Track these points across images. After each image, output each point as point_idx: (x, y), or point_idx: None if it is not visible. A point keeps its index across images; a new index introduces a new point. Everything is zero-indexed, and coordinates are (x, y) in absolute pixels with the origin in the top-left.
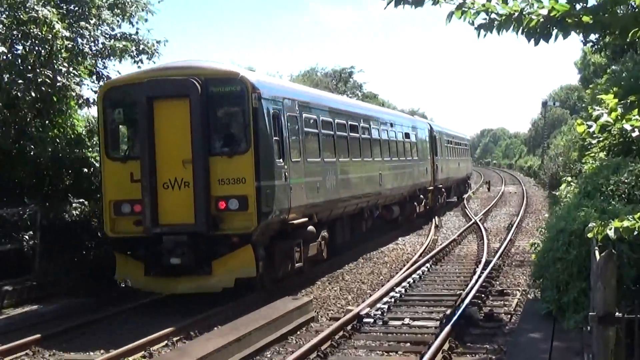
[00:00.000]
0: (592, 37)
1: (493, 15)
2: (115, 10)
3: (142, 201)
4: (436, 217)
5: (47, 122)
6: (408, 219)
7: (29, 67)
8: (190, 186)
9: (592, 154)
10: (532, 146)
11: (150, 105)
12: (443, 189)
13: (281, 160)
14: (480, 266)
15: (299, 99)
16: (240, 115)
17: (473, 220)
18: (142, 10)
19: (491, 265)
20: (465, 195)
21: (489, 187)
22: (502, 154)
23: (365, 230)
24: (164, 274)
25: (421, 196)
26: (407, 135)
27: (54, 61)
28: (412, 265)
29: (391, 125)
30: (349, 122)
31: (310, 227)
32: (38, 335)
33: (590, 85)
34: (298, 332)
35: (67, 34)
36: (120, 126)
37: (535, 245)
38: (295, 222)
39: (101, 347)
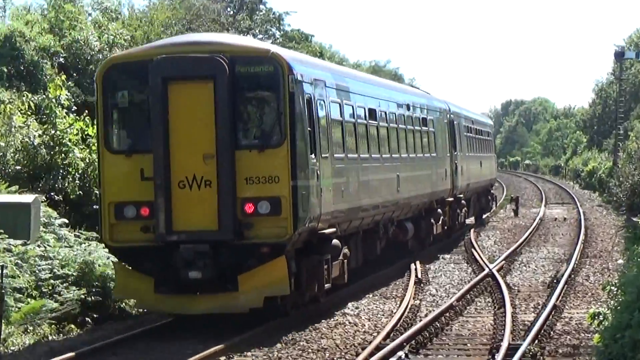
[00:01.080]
0: None
1: None
2: None
3: (152, 203)
4: (417, 266)
5: None
6: (422, 243)
7: None
8: (212, 185)
9: None
10: (595, 134)
11: (165, 88)
12: (463, 201)
13: (313, 155)
14: (499, 358)
15: (323, 78)
16: (274, 101)
17: (487, 271)
18: None
19: (518, 355)
20: (486, 215)
21: (516, 208)
22: (541, 146)
23: (380, 253)
24: (178, 290)
25: (439, 210)
26: (423, 122)
27: None
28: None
29: (407, 107)
30: (367, 106)
31: (335, 241)
32: None
33: None
34: None
35: None
36: (125, 112)
37: (601, 318)
38: (325, 232)
39: None
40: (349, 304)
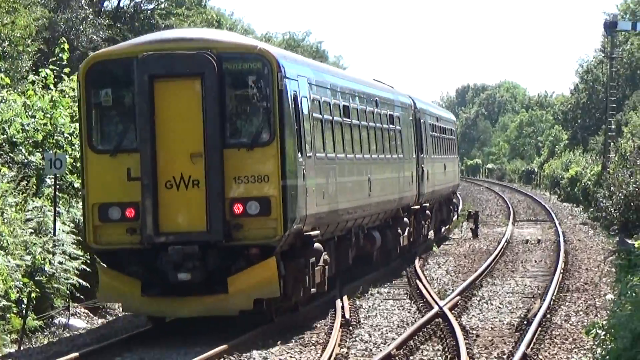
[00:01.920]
0: None
1: None
2: None
3: (138, 204)
4: (344, 303)
5: None
6: (388, 255)
7: None
8: (200, 185)
9: None
10: (579, 130)
11: (151, 86)
12: (428, 211)
13: (300, 154)
14: None
15: (305, 74)
16: (263, 98)
17: (436, 309)
18: None
19: None
20: (445, 229)
21: (475, 226)
22: (508, 145)
23: (351, 263)
24: (165, 293)
25: (405, 219)
26: (390, 119)
27: None
28: None
29: (375, 103)
30: (342, 102)
31: (318, 245)
32: None
33: None
34: None
35: None
36: (108, 111)
37: None
38: (311, 234)
39: None
40: (254, 353)
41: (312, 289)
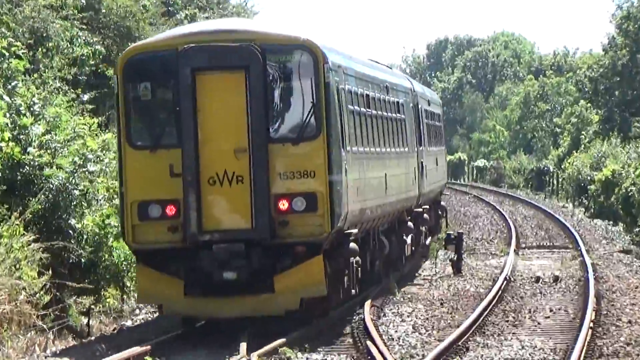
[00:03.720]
0: None
1: None
2: None
3: (182, 201)
4: None
5: None
6: (393, 265)
7: None
8: (245, 181)
9: None
10: (616, 108)
11: (193, 79)
12: (426, 215)
13: (342, 149)
14: None
15: (342, 63)
16: (308, 91)
17: None
18: None
19: None
20: (429, 242)
21: (458, 257)
22: (507, 130)
23: (368, 269)
24: (208, 293)
25: (410, 224)
26: (398, 108)
27: None
28: None
29: (387, 90)
30: (366, 92)
31: (354, 245)
32: None
33: None
34: None
35: None
36: (148, 105)
37: None
38: (351, 232)
39: None
40: None
41: (352, 290)
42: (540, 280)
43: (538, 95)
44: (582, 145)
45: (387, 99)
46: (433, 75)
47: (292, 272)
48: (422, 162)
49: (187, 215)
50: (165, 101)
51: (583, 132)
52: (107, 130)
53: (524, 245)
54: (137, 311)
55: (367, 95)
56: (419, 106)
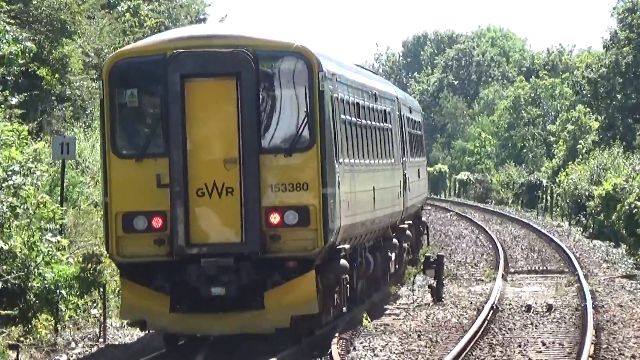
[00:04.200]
0: None
1: None
2: None
3: (168, 213)
4: None
5: None
6: (376, 283)
7: None
8: (235, 193)
9: None
10: (618, 113)
11: (182, 86)
12: (408, 231)
13: (336, 161)
14: None
15: (336, 70)
16: (302, 99)
17: None
18: None
19: None
20: (405, 261)
21: (437, 283)
22: (496, 138)
23: (357, 290)
24: (195, 309)
25: (395, 240)
26: (385, 116)
27: None
28: None
29: (375, 98)
30: (356, 100)
31: (343, 261)
32: None
33: None
34: None
35: None
36: (134, 113)
37: None
38: (344, 247)
39: None
40: None
41: (343, 308)
42: (532, 309)
43: (529, 99)
44: (580, 156)
45: (375, 108)
46: (410, 75)
47: (283, 289)
48: (405, 174)
49: (174, 228)
50: (152, 108)
51: (581, 141)
52: (38, 139)
53: (513, 270)
54: (73, 344)
55: (358, 104)
56: (402, 114)
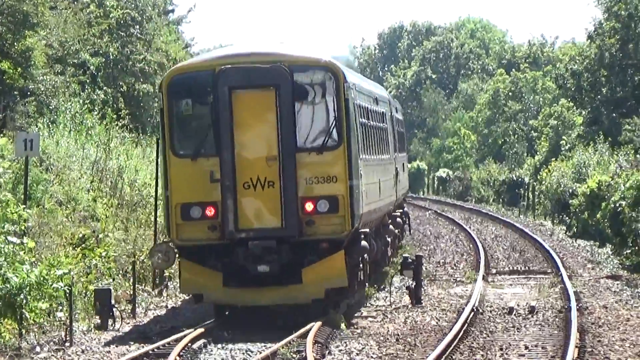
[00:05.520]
0: None
1: None
2: None
3: (219, 203)
4: None
5: None
6: (378, 267)
7: None
8: (275, 186)
9: None
10: (603, 108)
11: (230, 96)
12: (399, 219)
13: (358, 157)
14: None
15: (354, 81)
16: (331, 106)
17: None
18: None
19: None
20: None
21: (416, 285)
22: (476, 133)
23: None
24: (245, 284)
25: (391, 227)
26: (383, 117)
27: None
28: None
29: (376, 101)
30: (364, 104)
31: (364, 242)
32: None
33: None
34: None
35: None
36: (189, 119)
37: None
38: (365, 231)
39: None
40: None
41: (366, 283)
42: (514, 311)
43: (510, 93)
44: (563, 153)
45: (376, 110)
46: (386, 69)
47: (318, 266)
48: (397, 168)
49: (225, 216)
50: (204, 115)
51: (564, 137)
52: (1, 135)
53: (494, 271)
54: (38, 348)
55: (367, 108)
56: (392, 114)
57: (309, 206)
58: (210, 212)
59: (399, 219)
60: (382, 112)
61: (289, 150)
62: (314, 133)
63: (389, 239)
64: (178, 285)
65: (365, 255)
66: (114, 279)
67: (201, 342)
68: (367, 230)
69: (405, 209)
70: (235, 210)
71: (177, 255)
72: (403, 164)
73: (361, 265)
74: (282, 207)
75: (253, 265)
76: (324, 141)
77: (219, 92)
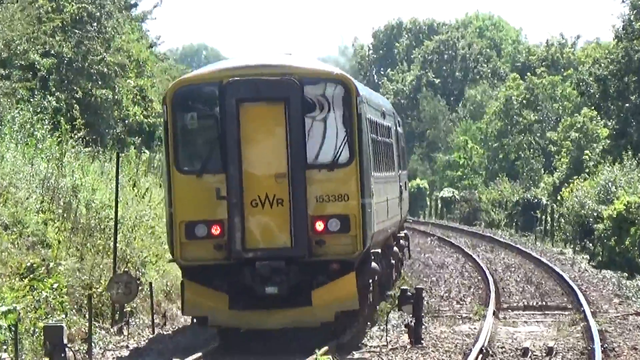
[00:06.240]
0: None
1: None
2: None
3: (226, 221)
4: None
5: None
6: (382, 291)
7: None
8: (284, 204)
9: None
10: (632, 118)
11: (238, 109)
12: (402, 240)
13: (370, 174)
14: None
15: (364, 94)
16: (342, 121)
17: None
18: None
19: None
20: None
21: (416, 322)
22: (485, 148)
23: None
24: (252, 306)
25: (395, 248)
26: (389, 132)
27: None
28: None
29: (383, 115)
30: (373, 117)
31: (374, 264)
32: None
33: None
34: None
35: None
36: (194, 133)
37: None
38: (377, 251)
39: None
40: None
41: (376, 305)
42: (529, 353)
43: (524, 101)
44: (586, 170)
45: (383, 124)
46: (382, 72)
47: (328, 287)
48: (401, 186)
49: (232, 235)
50: (210, 129)
51: (587, 152)
52: None
53: (506, 306)
54: None
55: (376, 122)
56: (397, 128)
57: (320, 225)
58: (216, 230)
59: (402, 241)
60: (388, 126)
61: (298, 166)
62: (324, 149)
63: (392, 262)
64: (180, 307)
65: (376, 277)
66: (66, 315)
67: None
68: (379, 250)
69: (406, 231)
70: (243, 228)
71: (183, 275)
72: (405, 182)
73: (371, 287)
74: (291, 226)
75: (261, 286)
76: (335, 157)
77: (226, 105)
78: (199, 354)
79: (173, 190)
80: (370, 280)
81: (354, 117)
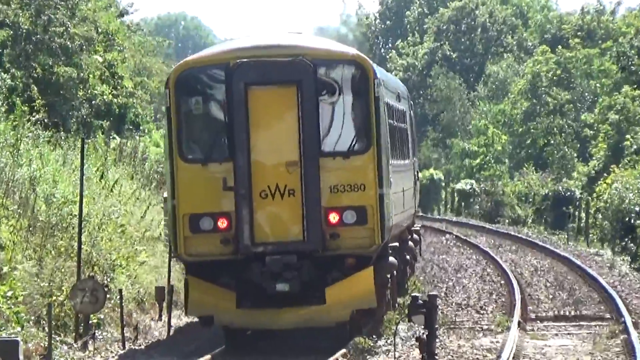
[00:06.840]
0: None
1: None
2: None
3: (233, 214)
4: None
5: None
6: (399, 285)
7: None
8: (296, 194)
9: None
10: None
11: (246, 93)
12: (415, 234)
13: (388, 162)
14: None
15: (381, 76)
16: (359, 105)
17: None
18: None
19: None
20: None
21: (430, 335)
22: (508, 133)
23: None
24: (262, 304)
25: (410, 243)
26: (404, 117)
27: None
28: None
29: (398, 97)
30: (390, 101)
31: (392, 259)
32: None
33: None
34: None
35: None
36: (199, 119)
37: None
38: (395, 245)
39: None
40: None
41: (395, 303)
42: None
43: (555, 78)
44: (627, 158)
45: (399, 108)
46: (390, 45)
47: (343, 284)
48: (415, 175)
49: (240, 228)
50: (216, 115)
51: (628, 137)
52: None
53: (533, 316)
54: None
55: (392, 106)
56: (410, 112)
57: (334, 217)
58: (222, 223)
59: (416, 235)
60: (403, 110)
61: (311, 154)
62: (340, 135)
63: (407, 257)
64: (184, 306)
65: (395, 272)
66: (22, 327)
67: None
68: (397, 244)
69: (419, 224)
70: (251, 221)
71: (185, 272)
72: (417, 171)
73: (389, 284)
74: (303, 218)
75: (271, 283)
76: (351, 144)
77: (233, 88)
78: (208, 356)
79: (176, 181)
80: (389, 276)
81: (371, 101)
